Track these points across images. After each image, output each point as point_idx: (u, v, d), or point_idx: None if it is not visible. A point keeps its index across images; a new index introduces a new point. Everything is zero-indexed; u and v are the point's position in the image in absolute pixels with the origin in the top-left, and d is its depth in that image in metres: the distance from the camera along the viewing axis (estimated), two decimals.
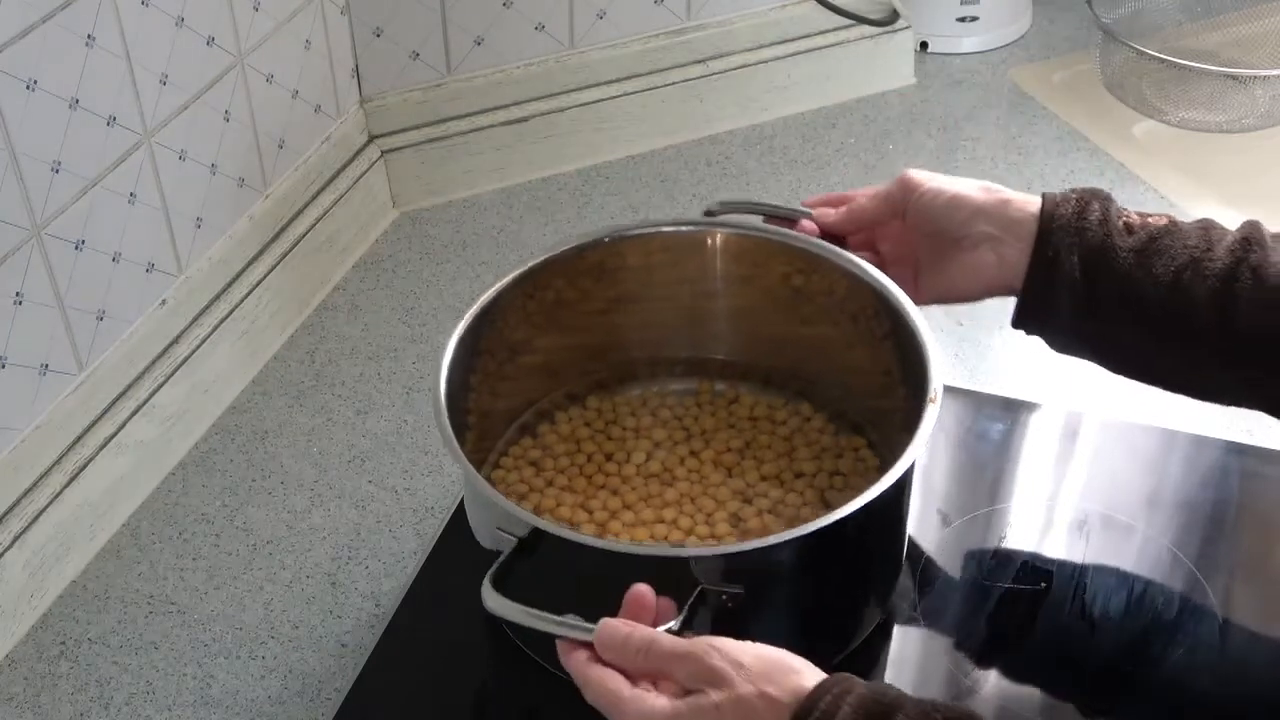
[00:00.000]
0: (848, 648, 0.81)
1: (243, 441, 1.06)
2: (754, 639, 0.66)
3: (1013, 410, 0.98)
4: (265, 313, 1.12)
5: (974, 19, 1.47)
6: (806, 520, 0.71)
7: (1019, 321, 0.83)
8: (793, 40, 1.37)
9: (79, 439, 0.96)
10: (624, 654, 0.66)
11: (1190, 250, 0.77)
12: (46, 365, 0.92)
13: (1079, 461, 0.95)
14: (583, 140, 1.33)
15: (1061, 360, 1.06)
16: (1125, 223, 0.79)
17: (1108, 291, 0.78)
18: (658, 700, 0.64)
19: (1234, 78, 1.32)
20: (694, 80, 1.34)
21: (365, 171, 1.23)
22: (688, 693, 0.64)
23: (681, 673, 0.64)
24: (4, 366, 0.89)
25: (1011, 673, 0.81)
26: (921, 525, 0.89)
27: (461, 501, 0.94)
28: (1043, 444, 0.97)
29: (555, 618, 0.68)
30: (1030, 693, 0.80)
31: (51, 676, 0.89)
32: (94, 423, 0.97)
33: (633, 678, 0.66)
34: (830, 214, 0.88)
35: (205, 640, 0.91)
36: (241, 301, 1.09)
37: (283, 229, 1.15)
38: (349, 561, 0.95)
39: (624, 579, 0.71)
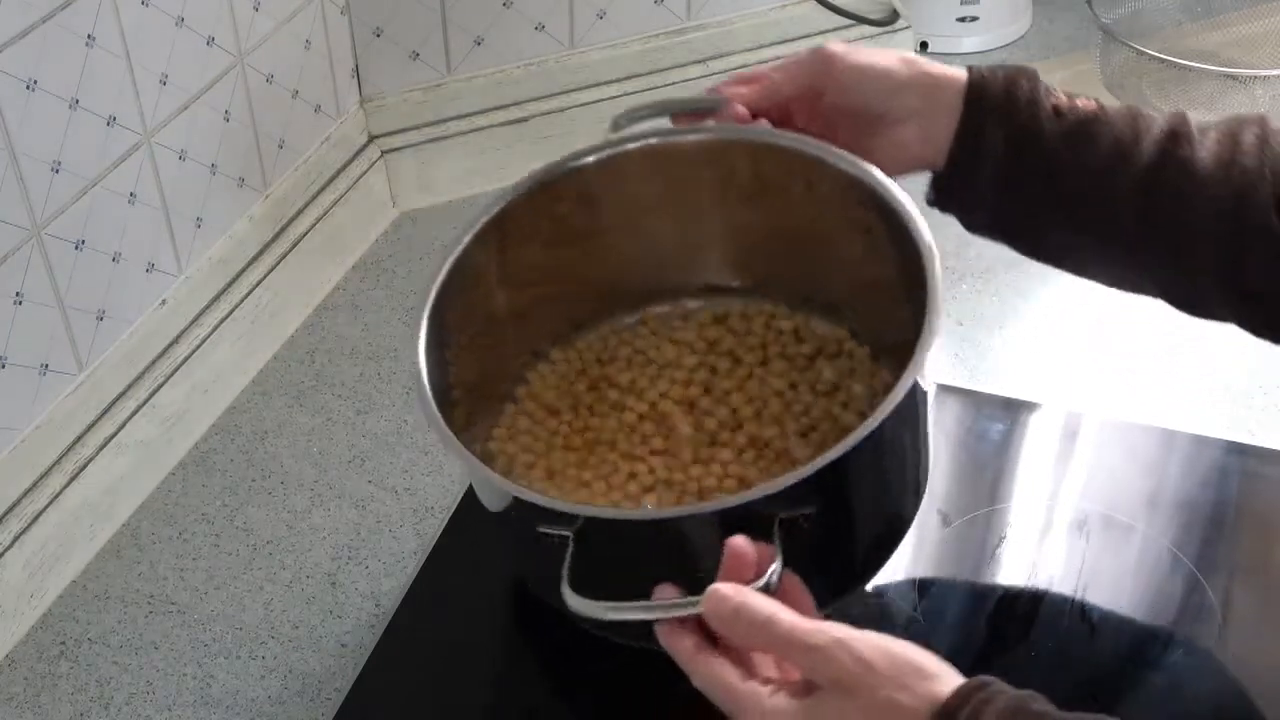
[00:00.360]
0: (896, 548, 0.78)
1: (243, 441, 1.06)
2: (829, 555, 0.62)
3: (1013, 410, 0.98)
4: (265, 313, 1.12)
5: (974, 19, 1.47)
6: (848, 425, 0.68)
7: (936, 199, 0.80)
8: (793, 40, 1.37)
9: (79, 439, 0.96)
10: (735, 628, 0.61)
11: (1118, 141, 0.76)
12: (46, 365, 0.92)
13: (1079, 461, 0.95)
14: (583, 140, 1.31)
15: (1061, 360, 1.07)
16: (1054, 105, 0.78)
17: (1032, 173, 0.77)
18: (778, 701, 0.59)
19: (1234, 78, 1.32)
20: (694, 80, 1.34)
21: (365, 171, 1.23)
22: (807, 686, 0.59)
23: (805, 664, 0.59)
24: (4, 366, 0.89)
25: (1011, 673, 0.80)
26: (921, 525, 0.89)
27: (462, 501, 0.95)
28: (1043, 444, 0.97)
29: (653, 603, 0.63)
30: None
31: (51, 676, 0.89)
32: (94, 423, 0.97)
33: (743, 654, 0.61)
34: (744, 92, 0.82)
35: (205, 640, 0.91)
36: (241, 301, 1.09)
37: (283, 229, 1.15)
38: (349, 561, 0.95)
39: (694, 543, 0.67)
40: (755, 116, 0.82)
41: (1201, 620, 0.83)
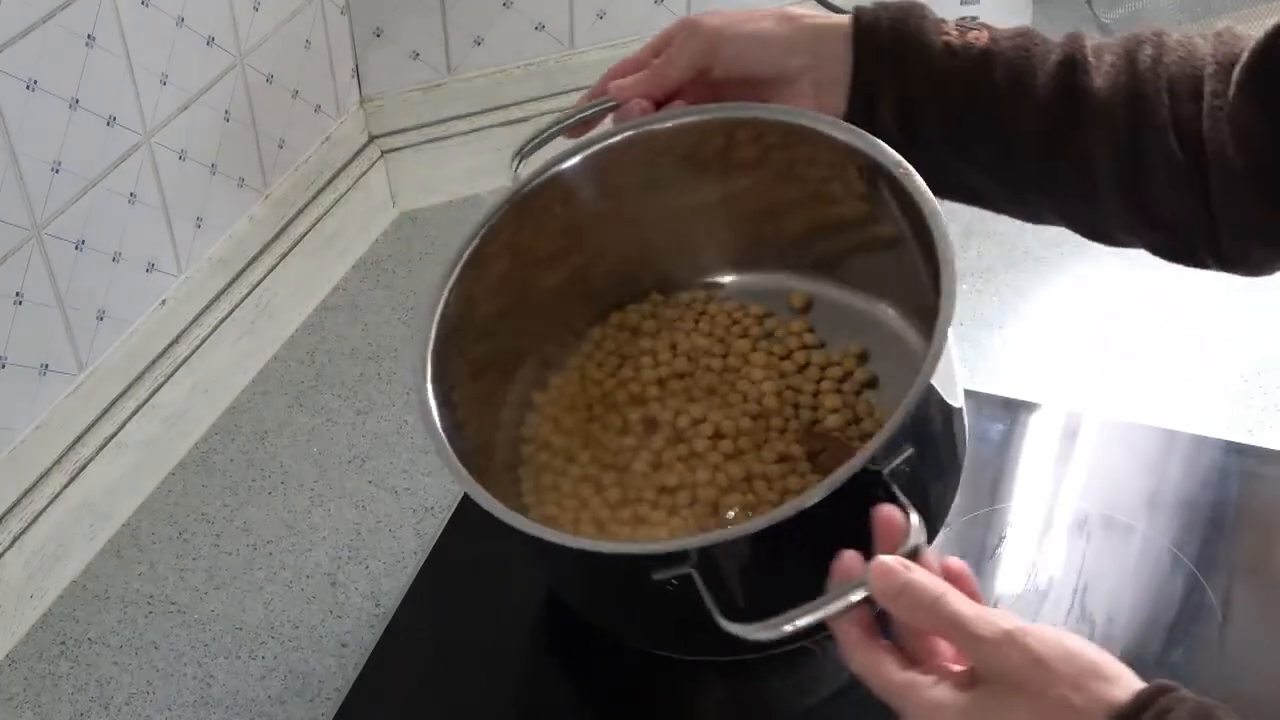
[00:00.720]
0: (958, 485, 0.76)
1: (243, 441, 1.06)
2: (930, 490, 0.60)
3: (1013, 410, 0.98)
4: (265, 313, 1.11)
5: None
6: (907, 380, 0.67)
7: None
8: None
9: (79, 439, 0.96)
10: (901, 605, 0.57)
11: (1014, 75, 0.75)
12: (46, 365, 0.92)
13: (1079, 461, 0.95)
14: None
15: (1061, 360, 1.07)
16: (945, 42, 0.76)
17: (930, 117, 0.77)
18: (939, 693, 0.56)
19: None
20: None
21: (365, 171, 1.23)
22: (973, 677, 0.56)
23: (972, 655, 0.56)
24: (4, 366, 0.89)
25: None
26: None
27: (462, 500, 0.94)
28: (1043, 444, 0.97)
29: (824, 601, 0.59)
30: None
31: (51, 676, 0.89)
32: (94, 423, 0.97)
33: (907, 636, 0.59)
34: (631, 84, 0.80)
35: (205, 640, 0.91)
36: (241, 301, 1.09)
37: (283, 229, 1.15)
38: (349, 561, 0.95)
39: (817, 535, 0.64)
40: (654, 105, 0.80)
41: (1201, 620, 0.83)
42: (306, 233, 1.16)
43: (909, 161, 0.75)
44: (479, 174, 1.30)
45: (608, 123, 0.82)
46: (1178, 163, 0.73)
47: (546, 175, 0.82)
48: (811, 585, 0.60)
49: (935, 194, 0.76)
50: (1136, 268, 1.16)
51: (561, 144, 0.83)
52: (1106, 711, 0.53)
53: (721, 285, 0.89)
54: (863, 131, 0.76)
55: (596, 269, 0.87)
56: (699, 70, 0.79)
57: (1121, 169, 0.74)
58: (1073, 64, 0.75)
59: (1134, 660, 0.81)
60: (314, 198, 1.18)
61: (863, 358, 0.84)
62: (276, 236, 1.14)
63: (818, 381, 0.83)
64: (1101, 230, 0.78)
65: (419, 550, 0.94)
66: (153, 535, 0.98)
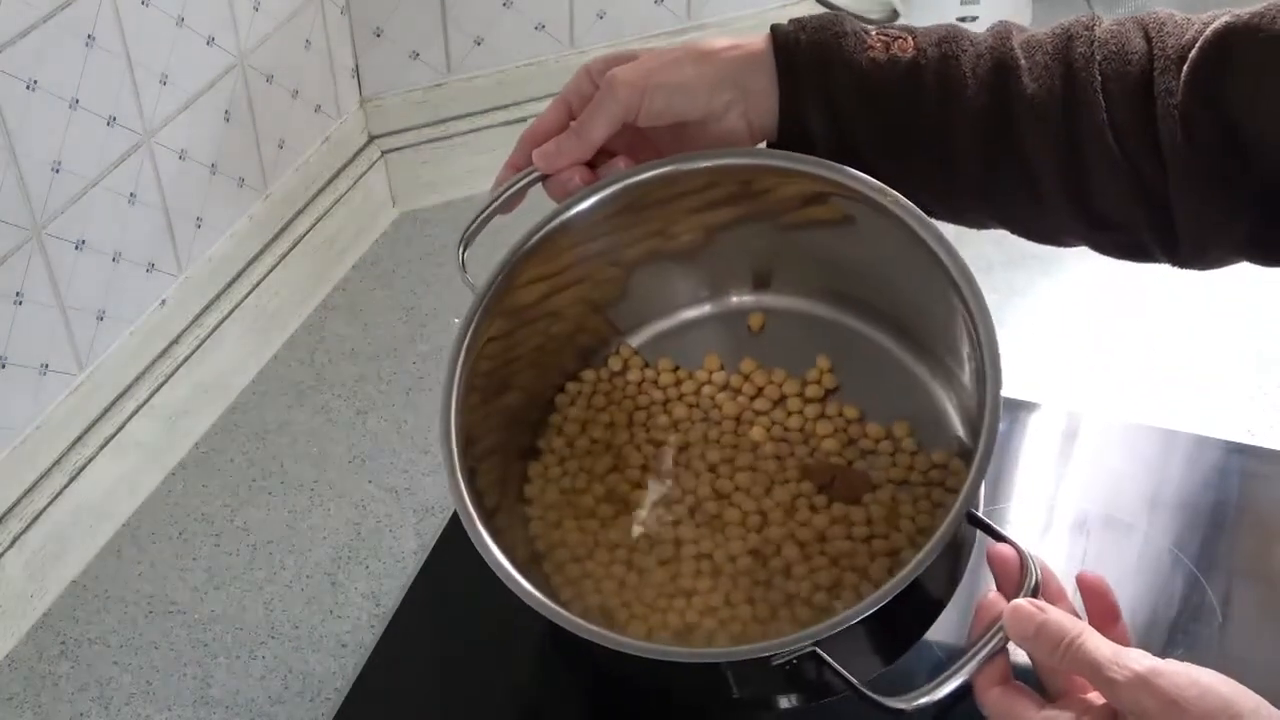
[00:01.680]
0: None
1: (243, 441, 1.06)
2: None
3: (1013, 410, 0.98)
4: (265, 313, 1.12)
5: (974, 19, 1.47)
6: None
7: None
8: None
9: (79, 439, 0.96)
10: (1037, 647, 0.59)
11: (944, 88, 0.73)
12: (46, 365, 0.92)
13: (1079, 461, 0.95)
14: None
15: (1061, 360, 1.07)
16: (871, 58, 0.75)
17: (862, 139, 0.75)
18: None
19: None
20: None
21: (365, 171, 1.23)
22: (1113, 715, 0.58)
23: (1111, 697, 0.57)
24: (4, 366, 0.89)
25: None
26: None
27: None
28: (1043, 444, 0.97)
29: (961, 664, 0.61)
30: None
31: (51, 676, 0.89)
32: (94, 423, 0.97)
33: (1044, 671, 0.60)
34: (555, 152, 0.77)
35: (205, 640, 0.91)
36: (242, 301, 1.09)
37: (283, 229, 1.15)
38: (349, 561, 0.95)
39: (922, 590, 0.66)
40: (587, 167, 0.78)
41: (1201, 620, 0.83)
42: (306, 233, 1.16)
43: None
44: (479, 174, 1.30)
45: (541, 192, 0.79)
46: (1118, 162, 0.72)
47: (546, 229, 0.78)
48: (916, 633, 0.64)
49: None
50: (1136, 268, 1.16)
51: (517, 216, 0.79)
52: None
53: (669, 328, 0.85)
54: (841, 166, 0.74)
55: (566, 329, 0.83)
56: (622, 125, 0.77)
57: (1063, 172, 0.73)
58: (1004, 68, 0.74)
59: None
60: (314, 198, 1.18)
61: (830, 370, 0.82)
62: (276, 236, 1.14)
63: (800, 412, 0.81)
64: (1047, 234, 0.78)
65: (419, 550, 0.94)
66: (153, 535, 0.98)
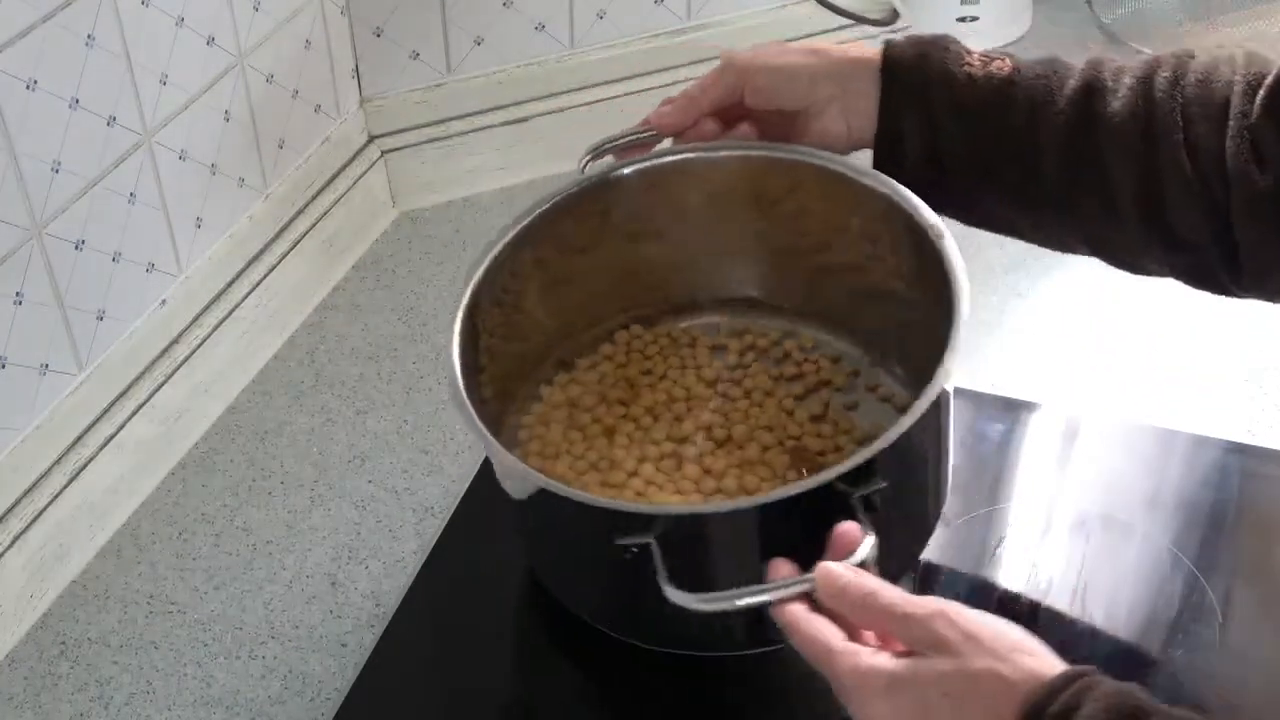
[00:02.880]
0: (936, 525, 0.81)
1: (243, 441, 1.06)
2: (899, 528, 0.63)
3: (1013, 410, 0.98)
4: (265, 313, 1.12)
5: (974, 19, 1.47)
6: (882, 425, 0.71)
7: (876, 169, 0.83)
8: (793, 40, 1.37)
9: (79, 439, 0.96)
10: (843, 602, 0.62)
11: (1034, 103, 0.77)
12: (46, 365, 0.92)
13: (1079, 461, 0.95)
14: (583, 140, 1.32)
15: (1061, 360, 1.07)
16: (968, 73, 0.79)
17: (953, 146, 0.79)
18: (874, 658, 0.60)
19: None
20: (694, 80, 1.34)
21: (365, 171, 1.23)
22: (910, 655, 0.60)
23: (906, 635, 0.60)
24: (4, 366, 0.89)
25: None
26: None
27: (462, 501, 0.95)
28: (1043, 444, 0.97)
29: (771, 585, 0.64)
30: None
31: (51, 676, 0.89)
32: (94, 423, 0.97)
33: (851, 630, 0.62)
34: (667, 112, 0.86)
35: (205, 640, 0.91)
36: (241, 301, 1.09)
37: (283, 229, 1.15)
38: (349, 561, 0.95)
39: (775, 530, 0.68)
40: (681, 132, 0.86)
41: (1201, 620, 0.83)
42: (306, 233, 1.16)
43: (936, 189, 0.79)
44: (479, 174, 1.30)
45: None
46: (1193, 183, 0.74)
47: (607, 176, 0.87)
48: (762, 579, 0.65)
49: (966, 222, 0.81)
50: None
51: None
52: (1034, 682, 0.56)
53: (730, 319, 0.94)
54: (902, 188, 0.80)
55: (621, 282, 0.91)
56: (731, 100, 0.84)
57: (1139, 190, 0.75)
58: (1091, 89, 0.76)
59: (1134, 660, 0.81)
60: (314, 198, 1.18)
61: (855, 374, 0.90)
62: (276, 236, 1.14)
63: (803, 398, 0.88)
64: (1127, 256, 0.79)
65: (419, 550, 0.94)
66: (153, 535, 0.98)
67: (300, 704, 0.86)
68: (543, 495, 0.71)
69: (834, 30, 1.38)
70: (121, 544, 0.98)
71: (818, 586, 0.63)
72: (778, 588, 0.64)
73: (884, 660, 0.60)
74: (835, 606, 0.62)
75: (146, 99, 0.97)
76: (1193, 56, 0.77)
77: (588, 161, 0.86)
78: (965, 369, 1.06)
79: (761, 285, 0.93)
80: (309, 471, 1.03)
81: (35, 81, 0.87)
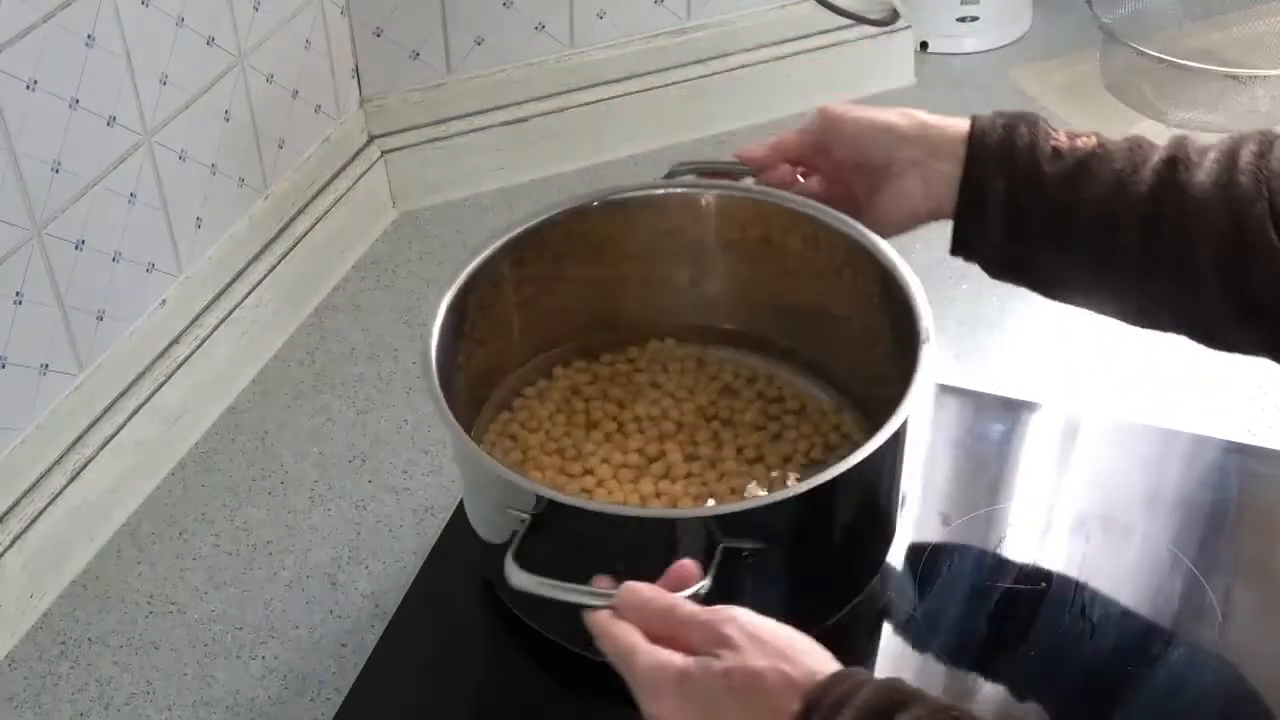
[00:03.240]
0: (850, 603, 0.82)
1: (243, 441, 1.06)
2: (772, 595, 0.65)
3: (1013, 410, 0.98)
4: (265, 313, 1.12)
5: (974, 19, 1.47)
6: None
7: (954, 249, 0.83)
8: (793, 40, 1.37)
9: (79, 439, 0.96)
10: (644, 616, 0.66)
11: (1117, 174, 0.77)
12: (46, 365, 0.92)
13: (1079, 461, 0.95)
14: (583, 140, 1.33)
15: (1061, 360, 1.07)
16: (1054, 146, 0.79)
17: (1035, 217, 0.79)
18: (671, 656, 0.63)
19: (1234, 78, 1.32)
20: (694, 80, 1.34)
21: (365, 171, 1.23)
22: (702, 655, 0.63)
23: (697, 637, 0.64)
24: (4, 366, 0.89)
25: (1011, 673, 0.81)
26: (921, 525, 0.89)
27: (462, 502, 0.95)
28: (1043, 444, 0.97)
29: (580, 587, 0.68)
30: (1030, 693, 0.80)
31: (51, 676, 0.89)
32: (94, 423, 0.97)
33: (654, 639, 0.65)
34: (754, 150, 0.90)
35: (205, 640, 0.91)
36: (241, 301, 1.09)
37: (283, 229, 1.15)
38: (349, 561, 0.95)
39: (645, 545, 0.72)
40: (762, 171, 0.89)
41: (1201, 620, 0.83)
42: (306, 233, 1.16)
43: (1016, 260, 0.81)
44: (479, 174, 1.30)
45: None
46: (1276, 250, 0.74)
47: (605, 199, 0.91)
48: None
49: (1046, 294, 0.82)
50: None
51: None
52: (809, 676, 0.61)
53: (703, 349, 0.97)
54: (872, 234, 0.84)
55: (602, 302, 0.95)
56: (820, 146, 0.87)
57: (1220, 258, 0.75)
58: (1174, 161, 0.77)
59: (1134, 660, 0.81)
60: (314, 198, 1.18)
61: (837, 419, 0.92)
62: (276, 236, 1.14)
63: (778, 436, 0.91)
64: (1210, 329, 0.79)
65: (419, 550, 0.94)
66: (153, 535, 0.98)
67: (300, 704, 0.86)
68: (464, 457, 0.76)
69: (833, 30, 1.38)
70: (121, 544, 0.98)
71: (620, 601, 0.67)
72: (584, 593, 0.68)
73: (678, 658, 0.63)
74: (638, 619, 0.66)
75: (146, 99, 0.97)
76: (1278, 136, 0.77)
77: (669, 176, 0.92)
78: (965, 369, 1.06)
79: (734, 317, 0.96)
80: (309, 471, 1.03)
81: (35, 81, 0.87)
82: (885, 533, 0.85)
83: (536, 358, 0.95)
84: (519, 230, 0.88)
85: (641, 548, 0.74)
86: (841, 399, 0.92)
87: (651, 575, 0.68)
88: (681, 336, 0.97)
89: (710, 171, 0.92)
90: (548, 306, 0.93)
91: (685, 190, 0.92)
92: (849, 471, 0.72)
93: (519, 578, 0.70)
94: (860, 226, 0.85)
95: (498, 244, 0.87)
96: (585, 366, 0.95)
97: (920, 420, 0.95)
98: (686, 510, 0.80)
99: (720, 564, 0.70)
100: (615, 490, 0.86)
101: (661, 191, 0.92)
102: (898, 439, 0.77)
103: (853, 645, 0.81)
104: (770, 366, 0.95)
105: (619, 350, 0.96)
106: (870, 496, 0.79)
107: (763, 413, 0.91)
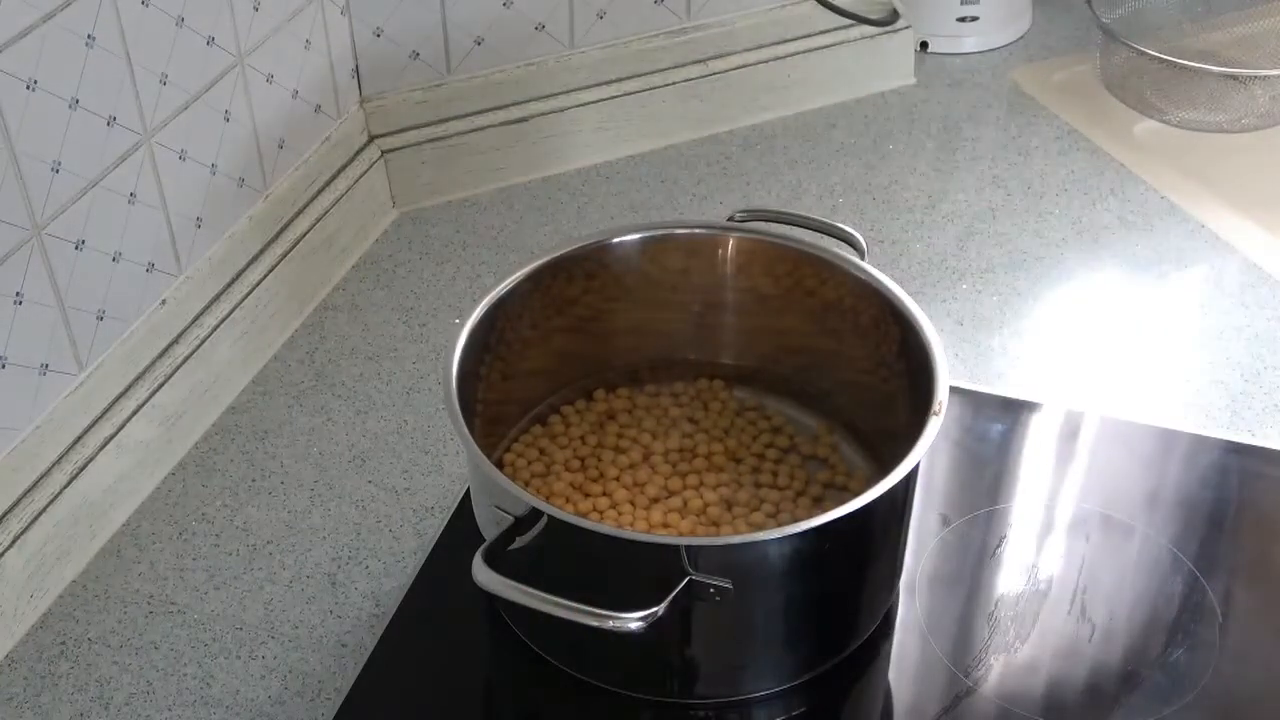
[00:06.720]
0: (840, 654, 0.81)
1: (243, 441, 1.06)
2: (739, 637, 0.63)
3: (1013, 410, 0.98)
4: (265, 313, 1.12)
5: (974, 19, 1.47)
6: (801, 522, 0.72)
7: None
8: (793, 40, 1.37)
9: (79, 439, 0.96)
10: None
11: None
12: (46, 365, 0.92)
13: (1079, 461, 0.95)
14: (583, 140, 1.33)
15: (1061, 360, 1.07)
16: None
17: None
18: None
19: (1234, 78, 1.32)
20: (694, 80, 1.34)
21: (365, 171, 1.23)
22: None
23: None
24: (4, 366, 0.89)
25: (1012, 673, 0.81)
26: (921, 525, 0.89)
27: (462, 501, 0.95)
28: (1043, 444, 0.97)
29: (542, 594, 0.69)
30: (1030, 693, 0.80)
31: (51, 676, 0.89)
32: (94, 423, 0.97)
33: None
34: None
35: (205, 640, 0.91)
36: (241, 301, 1.09)
37: (283, 229, 1.15)
38: (349, 561, 0.95)
39: (618, 563, 0.72)
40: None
41: (1201, 620, 0.83)
42: (306, 233, 1.16)
43: None
44: (479, 174, 1.30)
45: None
46: None
47: (626, 238, 0.92)
48: (586, 600, 0.69)
49: None
50: (1136, 268, 1.16)
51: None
52: None
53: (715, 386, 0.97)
54: (886, 277, 0.85)
55: (618, 338, 0.96)
56: None
57: None
58: None
59: (1134, 660, 0.81)
60: (314, 198, 1.18)
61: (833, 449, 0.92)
62: (276, 236, 1.14)
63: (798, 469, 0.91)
64: None
65: (419, 550, 0.94)
66: (153, 535, 0.99)
67: (300, 704, 0.86)
68: (471, 455, 0.77)
69: (833, 30, 1.38)
70: (121, 544, 0.98)
71: None
72: (551, 602, 0.69)
73: None
74: None
75: (146, 99, 0.97)
76: None
77: (735, 216, 0.92)
78: (965, 369, 1.06)
79: (751, 360, 0.96)
80: (309, 471, 1.03)
81: (35, 81, 0.87)
82: (879, 590, 0.82)
83: (584, 379, 0.95)
84: (589, 245, 0.90)
85: (606, 564, 0.74)
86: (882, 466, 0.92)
87: (617, 594, 0.69)
88: (729, 378, 0.96)
89: (773, 220, 0.92)
90: (597, 332, 0.94)
91: (706, 233, 0.93)
92: (827, 524, 0.71)
93: (484, 575, 0.71)
94: (876, 272, 0.86)
95: (555, 255, 0.89)
96: (628, 394, 0.96)
97: None
98: (654, 536, 0.80)
99: (681, 596, 0.70)
100: (626, 514, 0.86)
101: (684, 232, 0.93)
102: (900, 492, 0.76)
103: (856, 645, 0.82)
104: (813, 419, 0.94)
105: (665, 384, 0.96)
106: (856, 555, 0.78)
107: (800, 467, 0.90)
